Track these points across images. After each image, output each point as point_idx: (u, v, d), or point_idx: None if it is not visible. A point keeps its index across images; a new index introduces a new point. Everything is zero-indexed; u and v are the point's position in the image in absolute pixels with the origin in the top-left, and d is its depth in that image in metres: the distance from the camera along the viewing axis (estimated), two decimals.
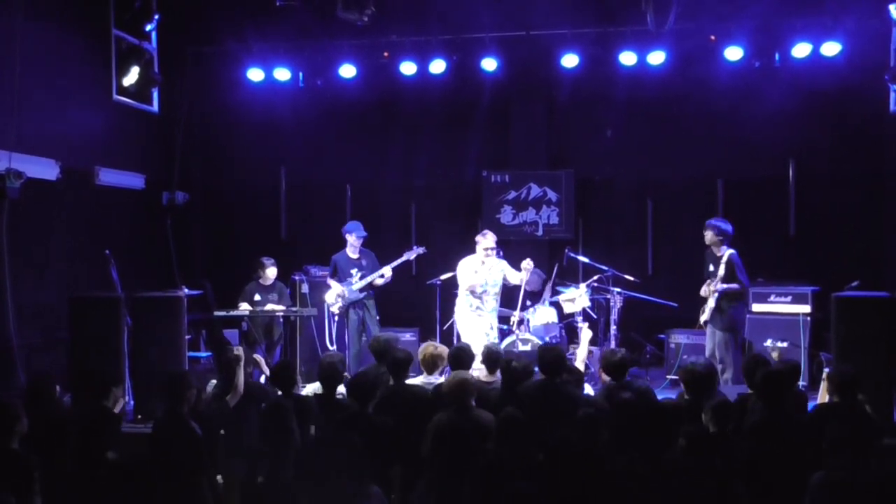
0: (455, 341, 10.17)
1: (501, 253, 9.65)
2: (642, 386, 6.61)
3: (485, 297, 9.30)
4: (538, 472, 5.09)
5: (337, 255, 9.97)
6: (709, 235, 8.93)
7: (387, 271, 9.77)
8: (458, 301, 9.59)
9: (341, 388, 6.74)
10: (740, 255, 8.95)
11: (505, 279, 9.47)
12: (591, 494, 4.88)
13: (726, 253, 8.79)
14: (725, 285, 8.66)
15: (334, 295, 9.81)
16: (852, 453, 4.74)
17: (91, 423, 5.46)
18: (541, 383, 6.34)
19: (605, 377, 6.74)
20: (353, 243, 9.89)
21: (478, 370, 7.03)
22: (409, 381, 6.87)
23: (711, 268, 8.94)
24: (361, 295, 9.79)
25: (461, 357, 6.61)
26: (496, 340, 9.18)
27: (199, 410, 6.10)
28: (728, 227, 8.91)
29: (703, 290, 8.93)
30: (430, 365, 6.85)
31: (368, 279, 9.74)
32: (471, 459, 5.24)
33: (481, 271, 9.35)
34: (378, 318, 9.90)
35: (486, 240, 9.37)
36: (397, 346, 7.12)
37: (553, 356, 6.42)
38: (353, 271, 9.80)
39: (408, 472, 5.93)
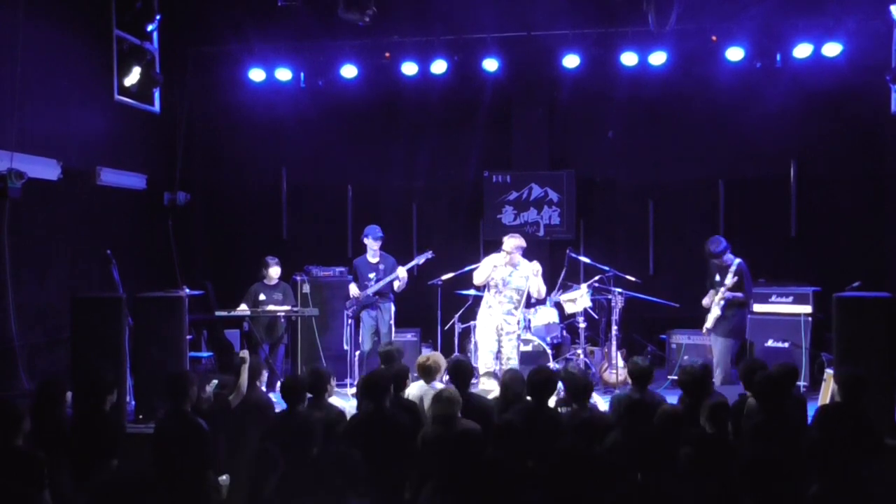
0: (456, 342, 10.20)
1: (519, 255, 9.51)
2: (658, 397, 6.59)
3: (497, 297, 9.27)
4: (538, 479, 5.09)
5: (357, 259, 10.14)
6: (712, 259, 8.97)
7: (401, 272, 9.79)
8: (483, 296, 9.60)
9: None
10: (742, 256, 8.99)
11: (528, 286, 9.31)
12: (596, 500, 4.89)
13: (735, 262, 8.85)
14: (732, 294, 8.72)
15: (350, 297, 9.88)
16: (852, 456, 4.72)
17: (90, 430, 5.49)
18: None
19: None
20: (371, 247, 9.95)
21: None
22: (409, 385, 6.93)
23: (717, 277, 8.98)
24: (375, 298, 9.84)
25: (459, 371, 6.59)
26: (513, 342, 9.17)
27: (200, 409, 6.11)
28: (720, 244, 8.92)
29: (707, 301, 8.98)
30: (426, 374, 6.92)
31: (382, 283, 9.80)
32: (462, 469, 5.23)
33: (499, 269, 9.27)
34: (392, 322, 9.94)
35: (506, 242, 9.29)
36: (398, 357, 7.27)
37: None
38: (371, 275, 9.89)
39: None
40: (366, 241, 9.99)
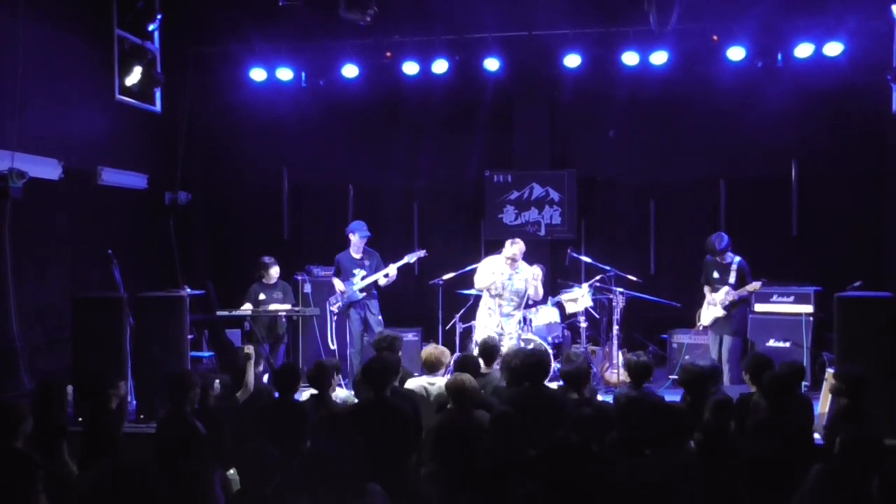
0: (457, 342, 10.20)
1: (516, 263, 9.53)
2: (656, 396, 6.61)
3: (498, 300, 9.33)
4: (535, 470, 5.09)
5: (340, 254, 9.98)
6: (714, 255, 9.00)
7: (392, 270, 9.75)
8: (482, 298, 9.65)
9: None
10: (743, 255, 9.02)
11: (527, 289, 9.39)
12: (595, 494, 4.88)
13: (735, 260, 8.89)
14: (739, 294, 8.77)
15: (336, 294, 9.84)
16: (861, 454, 4.69)
17: (92, 428, 5.49)
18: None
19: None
20: (356, 243, 9.88)
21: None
22: (411, 381, 6.93)
23: (716, 274, 9.01)
24: (362, 295, 9.79)
25: (466, 366, 6.59)
26: (513, 341, 9.19)
27: (207, 407, 6.11)
28: (723, 241, 8.95)
29: (711, 298, 9.00)
30: (432, 366, 6.90)
31: (371, 279, 9.75)
32: (471, 459, 5.24)
33: (499, 273, 9.32)
34: (381, 317, 9.90)
35: (508, 248, 9.35)
36: (399, 346, 7.26)
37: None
38: (357, 271, 9.81)
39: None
40: (351, 236, 9.92)
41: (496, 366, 7.24)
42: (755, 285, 8.84)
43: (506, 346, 9.14)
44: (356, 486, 4.54)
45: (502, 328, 9.26)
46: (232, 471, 6.02)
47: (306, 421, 6.01)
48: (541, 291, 9.46)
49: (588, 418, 5.25)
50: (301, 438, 5.76)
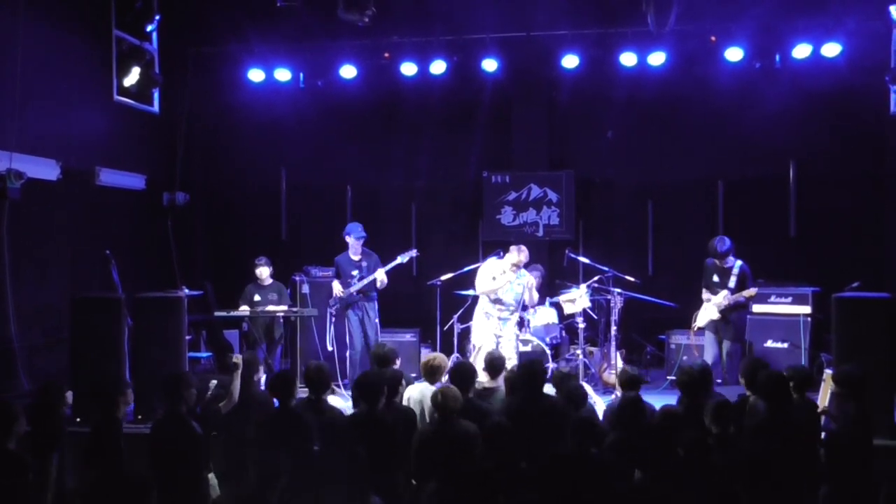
0: (455, 343, 10.20)
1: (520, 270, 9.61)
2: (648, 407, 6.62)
3: (498, 305, 9.41)
4: (530, 481, 5.09)
5: (339, 256, 9.96)
6: (716, 258, 9.01)
7: (380, 275, 9.73)
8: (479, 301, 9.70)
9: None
10: (741, 256, 9.04)
11: (524, 294, 9.49)
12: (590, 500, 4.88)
13: (736, 264, 8.90)
14: (735, 298, 8.79)
15: (335, 296, 9.83)
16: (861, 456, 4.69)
17: (100, 435, 5.50)
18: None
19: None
20: (352, 245, 9.87)
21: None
22: (411, 387, 6.94)
23: (716, 278, 9.01)
24: (359, 297, 9.78)
25: (461, 374, 6.56)
26: (511, 342, 9.27)
27: (194, 412, 6.08)
28: (725, 244, 8.95)
29: (708, 298, 9.00)
30: (430, 374, 6.90)
31: (365, 281, 9.73)
32: (456, 469, 5.22)
33: (499, 279, 9.38)
34: (377, 320, 9.88)
35: (512, 255, 9.42)
36: (395, 358, 7.27)
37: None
38: (355, 272, 9.79)
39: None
40: (347, 239, 9.87)
41: (501, 379, 7.24)
42: (751, 291, 8.84)
43: (504, 348, 9.17)
44: (360, 493, 4.54)
45: (500, 330, 9.30)
46: (210, 475, 6.01)
47: (309, 428, 5.97)
48: (536, 297, 9.60)
49: (587, 421, 5.26)
50: (306, 445, 5.75)
